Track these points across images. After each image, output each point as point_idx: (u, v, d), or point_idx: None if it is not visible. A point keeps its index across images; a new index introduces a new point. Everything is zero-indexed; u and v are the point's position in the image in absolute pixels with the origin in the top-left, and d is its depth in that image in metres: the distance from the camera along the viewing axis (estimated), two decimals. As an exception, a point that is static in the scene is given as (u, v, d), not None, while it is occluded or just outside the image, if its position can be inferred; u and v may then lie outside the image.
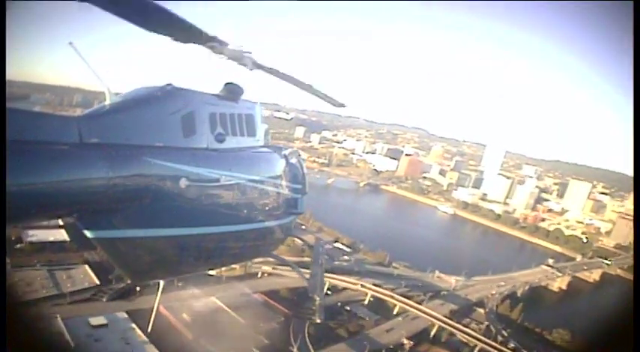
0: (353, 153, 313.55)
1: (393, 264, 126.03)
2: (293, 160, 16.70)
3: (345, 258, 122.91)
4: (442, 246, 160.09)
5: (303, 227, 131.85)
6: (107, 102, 10.15)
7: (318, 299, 27.72)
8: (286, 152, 16.35)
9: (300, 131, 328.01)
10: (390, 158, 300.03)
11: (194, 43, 11.08)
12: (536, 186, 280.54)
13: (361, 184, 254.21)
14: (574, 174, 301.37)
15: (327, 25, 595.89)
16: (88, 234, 9.57)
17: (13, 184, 7.34)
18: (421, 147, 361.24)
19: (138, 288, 63.58)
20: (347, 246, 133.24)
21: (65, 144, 8.68)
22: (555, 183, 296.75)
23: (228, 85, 13.50)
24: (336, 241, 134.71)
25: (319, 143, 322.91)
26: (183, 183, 10.67)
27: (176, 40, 10.51)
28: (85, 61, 9.91)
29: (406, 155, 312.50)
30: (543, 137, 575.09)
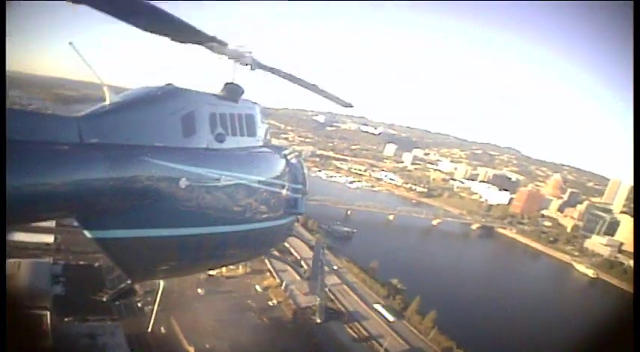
0: (453, 179, 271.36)
1: None
2: (293, 160, 16.24)
3: None
4: None
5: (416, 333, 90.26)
6: (107, 102, 9.92)
7: (318, 299, 27.43)
8: (286, 152, 16.04)
9: (390, 149, 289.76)
10: (500, 188, 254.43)
11: (192, 42, 10.87)
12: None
13: (473, 227, 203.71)
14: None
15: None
16: (88, 234, 9.43)
17: (14, 184, 7.24)
18: (520, 171, 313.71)
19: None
20: None
21: (65, 144, 8.57)
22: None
23: (228, 85, 13.23)
24: None
25: (412, 163, 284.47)
26: (183, 183, 10.44)
27: (174, 39, 10.26)
28: (85, 61, 9.61)
29: (513, 182, 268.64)
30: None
